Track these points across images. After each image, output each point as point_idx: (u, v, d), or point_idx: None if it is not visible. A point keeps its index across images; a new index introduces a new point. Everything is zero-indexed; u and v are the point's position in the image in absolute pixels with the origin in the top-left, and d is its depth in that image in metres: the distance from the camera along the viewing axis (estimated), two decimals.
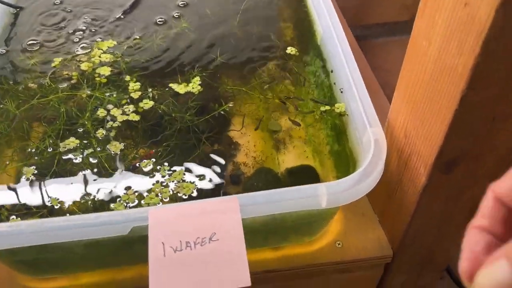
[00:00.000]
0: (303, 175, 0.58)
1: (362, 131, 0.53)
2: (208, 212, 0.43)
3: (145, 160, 0.52)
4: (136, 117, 0.56)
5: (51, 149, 0.53)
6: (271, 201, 0.45)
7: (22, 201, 0.49)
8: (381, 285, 0.66)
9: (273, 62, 0.69)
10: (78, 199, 0.49)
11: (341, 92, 0.59)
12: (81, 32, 0.68)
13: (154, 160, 0.52)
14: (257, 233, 0.54)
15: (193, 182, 0.51)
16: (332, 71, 0.63)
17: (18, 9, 0.72)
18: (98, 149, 0.53)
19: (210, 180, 0.53)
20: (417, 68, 0.44)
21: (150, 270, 0.40)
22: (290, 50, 0.68)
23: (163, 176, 0.51)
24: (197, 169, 0.55)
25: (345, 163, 0.57)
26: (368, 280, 0.65)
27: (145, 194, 0.49)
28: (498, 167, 0.48)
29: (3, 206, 0.49)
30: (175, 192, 0.49)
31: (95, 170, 0.51)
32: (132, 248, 0.51)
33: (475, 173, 0.47)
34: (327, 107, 0.59)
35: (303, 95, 0.64)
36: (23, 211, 0.48)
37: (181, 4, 0.75)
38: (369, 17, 1.22)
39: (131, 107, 0.57)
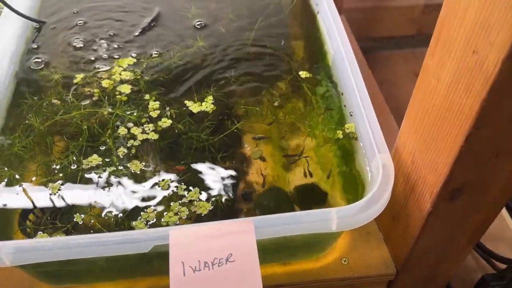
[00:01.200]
0: (312, 195, 0.61)
1: (370, 156, 0.55)
2: (225, 234, 0.45)
3: (164, 179, 0.55)
4: (155, 136, 0.59)
5: (75, 166, 0.56)
6: (284, 223, 0.47)
7: (48, 216, 0.52)
8: None
9: (285, 82, 0.71)
10: (101, 215, 0.52)
11: (351, 115, 0.62)
12: (101, 49, 0.70)
13: (179, 176, 0.55)
14: (268, 250, 0.57)
15: (209, 201, 0.53)
16: (342, 94, 0.66)
17: (40, 24, 0.74)
18: (120, 167, 0.55)
19: (224, 198, 0.56)
20: (426, 102, 0.47)
21: None
22: (302, 73, 0.71)
23: (180, 196, 0.53)
24: (212, 186, 0.57)
25: (352, 184, 0.60)
26: None
27: (164, 212, 0.52)
28: (501, 197, 0.50)
29: (29, 220, 0.52)
30: (192, 211, 0.52)
31: (117, 187, 0.54)
32: (150, 262, 0.54)
33: (479, 202, 0.50)
34: (340, 133, 0.61)
35: (314, 116, 0.67)
36: (49, 225, 0.51)
37: (198, 22, 0.78)
38: (376, 30, 1.24)
39: (151, 126, 0.60)
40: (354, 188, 0.59)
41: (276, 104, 0.69)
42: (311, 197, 0.60)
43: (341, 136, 0.62)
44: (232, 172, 0.60)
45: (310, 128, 0.65)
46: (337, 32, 0.70)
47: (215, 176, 0.58)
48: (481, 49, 0.37)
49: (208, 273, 0.43)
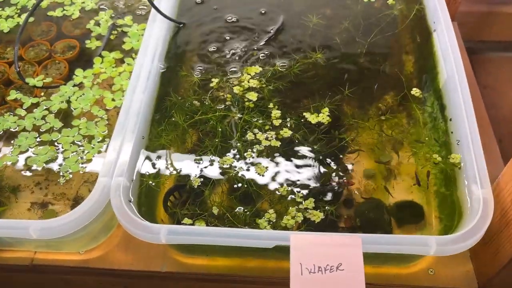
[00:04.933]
0: (410, 211, 0.68)
1: (472, 188, 0.61)
2: (337, 245, 0.55)
3: (283, 185, 0.65)
4: (276, 143, 0.69)
5: (212, 164, 0.67)
6: (387, 243, 0.56)
7: (191, 204, 0.64)
8: None
9: (392, 97, 0.77)
10: (232, 209, 0.63)
11: (458, 144, 0.67)
12: (232, 55, 0.80)
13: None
14: (365, 255, 0.65)
15: (319, 210, 0.62)
16: (450, 120, 0.70)
17: (180, 25, 0.85)
18: (248, 169, 0.66)
19: (330, 204, 0.65)
20: None
21: (291, 283, 0.53)
22: (415, 91, 0.76)
23: (297, 202, 0.63)
24: (320, 192, 0.66)
25: (450, 207, 0.66)
26: None
27: (283, 215, 0.62)
28: None
29: (170, 200, 0.65)
30: (306, 217, 0.62)
31: (245, 185, 0.65)
32: (265, 250, 0.65)
33: None
34: (439, 159, 0.67)
35: (419, 136, 0.72)
36: (190, 211, 0.63)
37: (317, 32, 0.84)
38: (485, 34, 1.22)
39: (273, 134, 0.69)
40: (450, 212, 0.65)
41: (383, 118, 0.75)
42: (409, 214, 0.67)
43: (444, 163, 0.67)
44: (339, 181, 0.68)
45: (415, 148, 0.71)
46: (453, 56, 0.73)
47: (323, 183, 0.67)
48: None
49: (321, 276, 0.53)
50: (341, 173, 0.69)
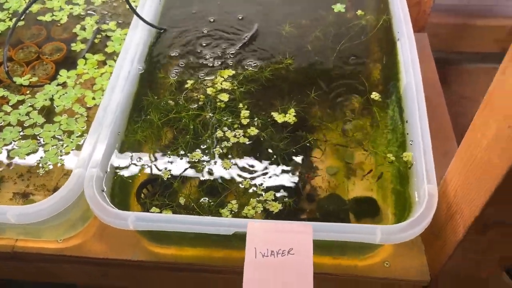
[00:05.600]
0: (367, 206, 0.72)
1: (420, 184, 0.65)
2: (289, 231, 0.59)
3: (246, 178, 0.69)
4: (245, 140, 0.73)
5: (182, 158, 0.72)
6: (336, 231, 0.60)
7: (156, 191, 0.69)
8: None
9: (357, 101, 0.82)
10: (198, 200, 0.68)
11: (411, 144, 0.72)
12: (208, 59, 0.85)
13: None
14: (323, 246, 0.70)
15: (279, 200, 0.67)
16: (407, 122, 0.75)
17: (161, 31, 0.91)
18: (215, 163, 0.71)
19: (292, 199, 0.69)
20: (471, 151, 0.56)
21: (245, 267, 0.57)
22: (375, 95, 0.81)
23: (258, 194, 0.68)
24: (283, 186, 0.71)
25: (403, 203, 0.70)
26: None
27: (244, 206, 0.66)
28: None
29: (143, 193, 0.69)
30: (266, 208, 0.66)
31: (212, 178, 0.70)
32: (227, 239, 0.69)
33: (507, 236, 0.58)
34: (398, 159, 0.72)
35: (378, 137, 0.77)
36: (156, 199, 0.68)
37: (289, 39, 0.89)
38: (459, 46, 1.27)
39: (241, 132, 0.74)
40: (403, 207, 0.69)
41: (347, 121, 0.80)
42: (366, 209, 0.72)
43: (398, 161, 0.72)
44: (301, 176, 0.73)
45: (374, 148, 0.76)
46: (412, 64, 0.79)
47: (286, 178, 0.72)
48: None
49: (273, 259, 0.57)
50: (304, 170, 0.74)
